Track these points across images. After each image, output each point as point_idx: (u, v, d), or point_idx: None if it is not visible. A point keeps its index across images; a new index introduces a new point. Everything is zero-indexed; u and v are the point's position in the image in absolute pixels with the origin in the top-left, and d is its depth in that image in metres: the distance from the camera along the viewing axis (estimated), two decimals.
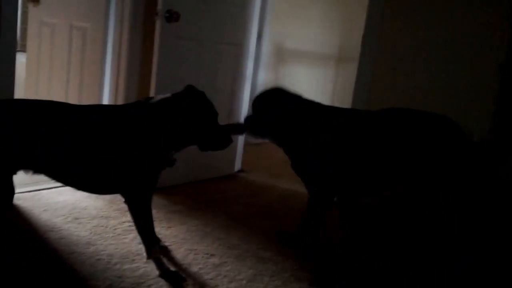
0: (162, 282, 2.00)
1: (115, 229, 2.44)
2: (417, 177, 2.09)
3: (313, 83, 3.86)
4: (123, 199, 2.04)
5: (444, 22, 2.83)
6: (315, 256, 2.40)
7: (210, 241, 2.46)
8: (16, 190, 2.73)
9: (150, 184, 2.04)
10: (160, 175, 2.07)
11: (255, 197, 3.25)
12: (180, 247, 2.35)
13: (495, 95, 2.64)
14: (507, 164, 2.35)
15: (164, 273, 2.03)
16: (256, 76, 3.70)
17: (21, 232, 2.35)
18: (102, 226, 2.46)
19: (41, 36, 3.71)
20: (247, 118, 2.59)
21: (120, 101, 3.22)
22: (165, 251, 2.26)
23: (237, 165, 3.78)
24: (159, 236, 2.30)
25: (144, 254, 2.08)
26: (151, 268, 2.07)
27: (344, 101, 3.16)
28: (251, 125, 2.52)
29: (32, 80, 3.76)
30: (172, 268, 2.09)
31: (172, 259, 2.22)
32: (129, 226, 2.40)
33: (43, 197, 2.77)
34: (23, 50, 4.19)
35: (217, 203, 3.05)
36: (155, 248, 2.07)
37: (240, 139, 3.71)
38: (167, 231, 2.51)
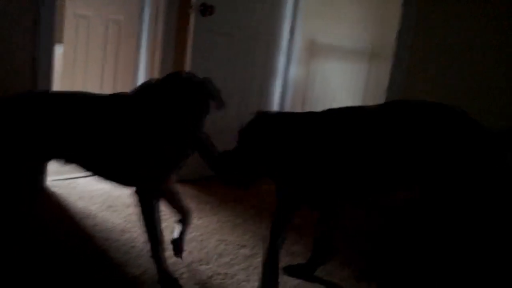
0: (195, 270, 2.03)
1: None
2: (438, 176, 1.84)
3: (345, 79, 3.83)
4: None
5: (479, 20, 2.77)
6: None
7: (241, 232, 2.48)
8: (53, 178, 2.84)
9: (161, 177, 1.96)
10: (178, 170, 1.97)
11: None
12: (211, 237, 2.38)
13: None
14: None
15: (161, 279, 1.91)
16: (288, 71, 3.69)
17: (57, 219, 2.41)
18: (136, 214, 2.50)
19: (77, 28, 3.78)
20: (224, 154, 1.94)
21: None
22: (177, 251, 2.10)
23: None
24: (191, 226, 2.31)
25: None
26: (184, 256, 2.10)
27: (376, 98, 3.12)
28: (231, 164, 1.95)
29: (68, 71, 3.84)
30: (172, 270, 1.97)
31: (201, 250, 2.25)
32: (162, 215, 2.43)
33: (79, 185, 2.84)
34: (60, 41, 4.27)
35: (249, 195, 3.06)
36: (156, 248, 1.92)
37: None
38: (199, 221, 2.54)
